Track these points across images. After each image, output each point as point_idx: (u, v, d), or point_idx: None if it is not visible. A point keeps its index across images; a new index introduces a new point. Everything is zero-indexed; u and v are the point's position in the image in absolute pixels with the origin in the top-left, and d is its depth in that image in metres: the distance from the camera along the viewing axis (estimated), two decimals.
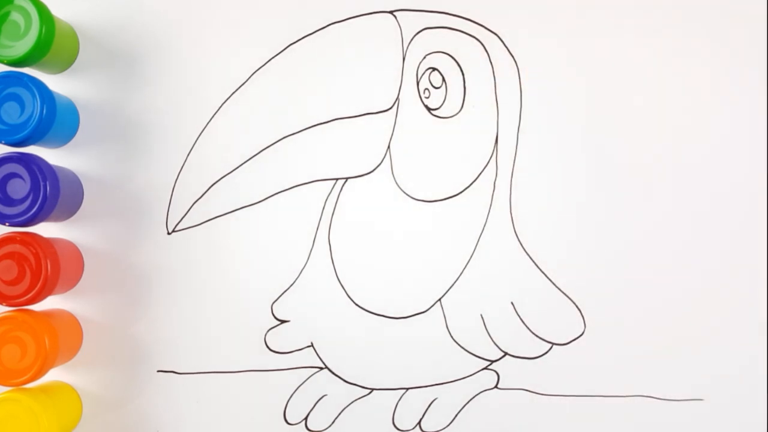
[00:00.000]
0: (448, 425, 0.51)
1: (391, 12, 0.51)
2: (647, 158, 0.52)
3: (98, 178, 0.51)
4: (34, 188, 0.46)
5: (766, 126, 0.52)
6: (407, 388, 0.52)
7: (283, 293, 0.51)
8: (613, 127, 0.51)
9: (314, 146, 0.51)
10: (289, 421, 0.51)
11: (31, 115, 0.46)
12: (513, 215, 0.51)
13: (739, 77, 0.52)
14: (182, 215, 0.51)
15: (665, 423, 0.51)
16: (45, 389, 0.48)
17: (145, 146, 0.51)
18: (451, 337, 0.51)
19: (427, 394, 0.51)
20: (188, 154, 0.51)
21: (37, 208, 0.46)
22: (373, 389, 0.52)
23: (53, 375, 0.51)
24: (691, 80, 0.52)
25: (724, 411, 0.52)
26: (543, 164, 0.51)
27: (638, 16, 0.52)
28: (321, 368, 0.51)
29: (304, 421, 0.51)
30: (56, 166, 0.48)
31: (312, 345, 0.51)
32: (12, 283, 0.46)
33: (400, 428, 0.51)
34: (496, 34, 0.52)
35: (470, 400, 0.51)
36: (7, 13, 0.47)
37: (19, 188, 0.46)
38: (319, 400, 0.51)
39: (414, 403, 0.51)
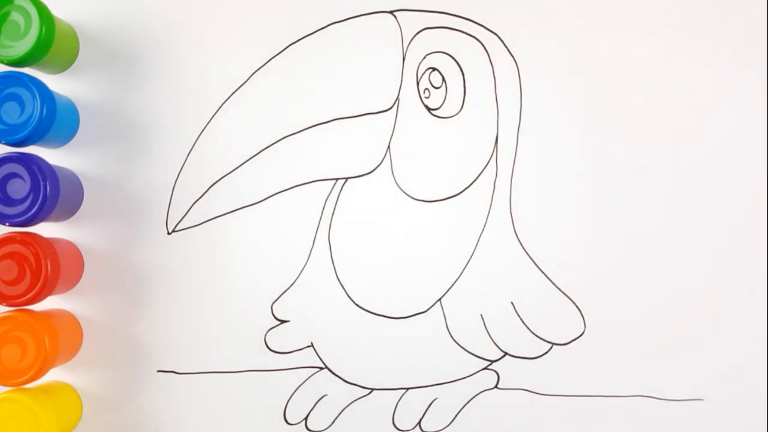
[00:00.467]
0: (448, 425, 0.51)
1: (391, 12, 0.51)
2: (647, 158, 0.52)
3: (98, 178, 0.51)
4: (34, 188, 0.46)
5: (766, 126, 0.52)
6: (407, 388, 0.52)
7: (283, 293, 0.51)
8: (613, 127, 0.51)
9: (314, 146, 0.51)
10: (289, 421, 0.51)
11: (31, 115, 0.46)
12: (513, 215, 0.51)
13: (739, 77, 0.52)
14: (182, 215, 0.51)
15: (665, 423, 0.51)
16: (45, 389, 0.48)
17: (145, 146, 0.51)
18: (451, 337, 0.51)
19: (427, 394, 0.51)
20: (188, 154, 0.51)
21: (37, 208, 0.46)
22: (373, 389, 0.52)
23: (53, 375, 0.51)
24: (691, 80, 0.52)
25: (724, 411, 0.52)
26: (543, 164, 0.51)
27: (638, 16, 0.52)
28: (321, 368, 0.51)
29: (304, 421, 0.51)
30: (56, 166, 0.48)
31: (312, 345, 0.51)
32: (12, 283, 0.46)
33: (400, 428, 0.51)
34: (496, 34, 0.52)
35: (470, 400, 0.51)
36: (7, 13, 0.47)
37: (19, 188, 0.46)
38: (319, 400, 0.51)
39: (414, 403, 0.51)
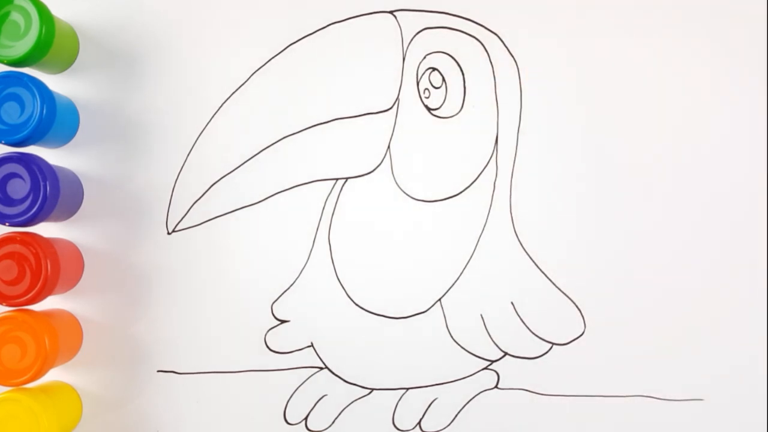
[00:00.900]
0: (448, 425, 0.51)
1: (391, 12, 0.51)
2: (647, 158, 0.52)
3: (98, 178, 0.51)
4: (34, 188, 0.46)
5: (766, 126, 0.52)
6: (407, 388, 0.52)
7: (283, 293, 0.51)
8: (613, 127, 0.51)
9: (314, 146, 0.51)
10: (289, 421, 0.51)
11: (31, 115, 0.46)
12: (513, 215, 0.51)
13: (739, 77, 0.52)
14: (182, 215, 0.51)
15: (665, 423, 0.51)
16: (45, 389, 0.48)
17: (145, 146, 0.51)
18: (451, 337, 0.51)
19: (427, 394, 0.51)
20: (188, 154, 0.51)
21: (37, 208, 0.46)
22: (373, 389, 0.52)
23: (53, 375, 0.51)
24: (691, 80, 0.52)
25: (724, 411, 0.52)
26: (543, 164, 0.51)
27: (638, 16, 0.52)
28: (321, 368, 0.51)
29: (304, 421, 0.51)
30: (56, 166, 0.48)
31: (312, 345, 0.51)
32: (12, 283, 0.46)
33: (400, 428, 0.51)
34: (496, 34, 0.52)
35: (470, 400, 0.51)
36: (7, 13, 0.47)
37: (19, 188, 0.46)
38: (319, 400, 0.51)
39: (414, 403, 0.51)
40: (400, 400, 0.51)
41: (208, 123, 0.51)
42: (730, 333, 0.52)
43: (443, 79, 0.51)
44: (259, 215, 0.51)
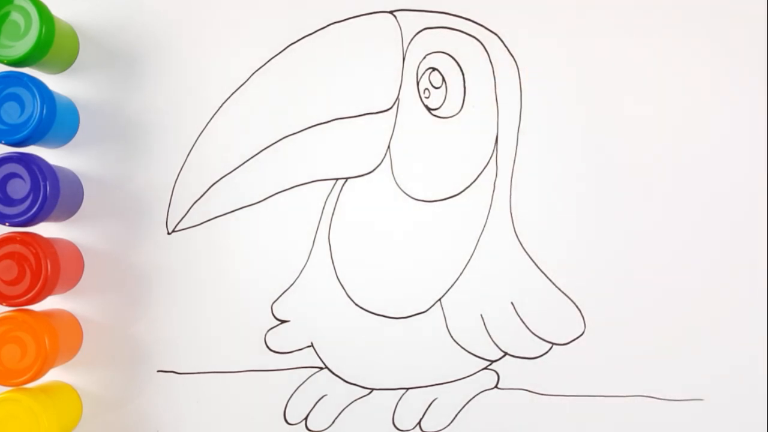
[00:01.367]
0: (448, 425, 0.51)
1: (391, 12, 0.51)
2: (647, 158, 0.52)
3: (98, 178, 0.51)
4: (34, 188, 0.46)
5: (766, 126, 0.52)
6: (407, 388, 0.52)
7: (283, 293, 0.51)
8: (613, 127, 0.51)
9: (314, 146, 0.51)
10: (289, 421, 0.51)
11: (31, 115, 0.46)
12: (513, 215, 0.51)
13: (739, 77, 0.52)
14: (182, 215, 0.51)
15: (665, 423, 0.51)
16: (45, 389, 0.48)
17: (145, 146, 0.51)
18: (451, 337, 0.51)
19: (427, 394, 0.51)
20: (188, 154, 0.51)
21: (37, 208, 0.46)
22: (373, 389, 0.52)
23: (53, 375, 0.51)
24: (691, 80, 0.52)
25: (724, 411, 0.52)
26: (543, 164, 0.51)
27: (638, 16, 0.52)
28: (321, 368, 0.51)
29: (304, 421, 0.51)
30: (56, 166, 0.48)
31: (312, 345, 0.51)
32: (12, 283, 0.46)
33: (400, 428, 0.51)
34: (496, 34, 0.52)
35: (470, 400, 0.51)
36: (7, 13, 0.47)
37: (19, 188, 0.46)
38: (319, 400, 0.51)
39: (414, 403, 0.51)
40: (400, 400, 0.51)
41: (208, 123, 0.51)
42: (730, 333, 0.52)
43: (443, 79, 0.51)
44: (259, 215, 0.51)
